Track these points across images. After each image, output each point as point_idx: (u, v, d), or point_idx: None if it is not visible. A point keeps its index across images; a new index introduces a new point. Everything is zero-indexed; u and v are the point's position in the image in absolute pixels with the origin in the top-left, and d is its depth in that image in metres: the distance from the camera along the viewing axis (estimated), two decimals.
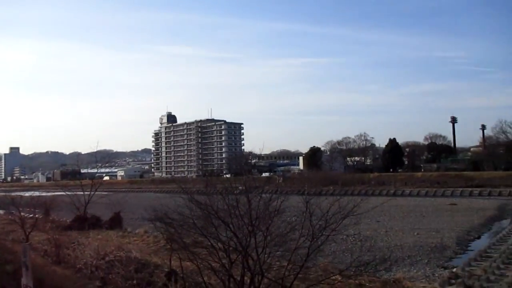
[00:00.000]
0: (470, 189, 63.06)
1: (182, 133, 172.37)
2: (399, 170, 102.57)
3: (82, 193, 30.61)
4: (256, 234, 8.53)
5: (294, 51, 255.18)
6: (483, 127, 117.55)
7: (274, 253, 9.17)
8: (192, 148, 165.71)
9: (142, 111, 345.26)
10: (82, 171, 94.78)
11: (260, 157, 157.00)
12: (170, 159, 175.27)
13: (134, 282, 11.31)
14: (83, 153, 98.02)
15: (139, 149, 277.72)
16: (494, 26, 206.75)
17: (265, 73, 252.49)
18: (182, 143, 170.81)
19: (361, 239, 24.10)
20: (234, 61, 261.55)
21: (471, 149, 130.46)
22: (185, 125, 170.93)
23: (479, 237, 26.34)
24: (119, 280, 11.71)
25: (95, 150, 41.56)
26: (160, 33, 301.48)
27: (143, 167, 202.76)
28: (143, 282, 11.29)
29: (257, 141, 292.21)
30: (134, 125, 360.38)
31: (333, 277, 9.65)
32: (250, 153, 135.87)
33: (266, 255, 8.64)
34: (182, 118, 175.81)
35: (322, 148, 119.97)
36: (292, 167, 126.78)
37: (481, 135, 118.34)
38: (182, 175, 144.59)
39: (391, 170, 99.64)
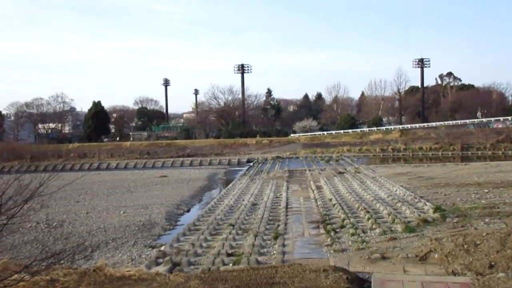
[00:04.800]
0: (181, 159, 69.98)
1: None
2: (105, 140, 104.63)
3: None
4: None
5: None
6: (196, 92, 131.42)
7: None
8: None
9: None
10: None
11: None
12: None
13: None
14: None
15: None
16: None
17: None
18: None
19: (55, 225, 23.64)
20: None
21: (184, 115, 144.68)
22: None
23: (189, 210, 29.55)
24: None
25: None
26: None
27: None
28: None
29: None
30: None
31: (15, 276, 9.08)
32: None
33: None
34: None
35: (4, 112, 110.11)
36: None
37: (194, 101, 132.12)
38: None
39: (95, 139, 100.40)
